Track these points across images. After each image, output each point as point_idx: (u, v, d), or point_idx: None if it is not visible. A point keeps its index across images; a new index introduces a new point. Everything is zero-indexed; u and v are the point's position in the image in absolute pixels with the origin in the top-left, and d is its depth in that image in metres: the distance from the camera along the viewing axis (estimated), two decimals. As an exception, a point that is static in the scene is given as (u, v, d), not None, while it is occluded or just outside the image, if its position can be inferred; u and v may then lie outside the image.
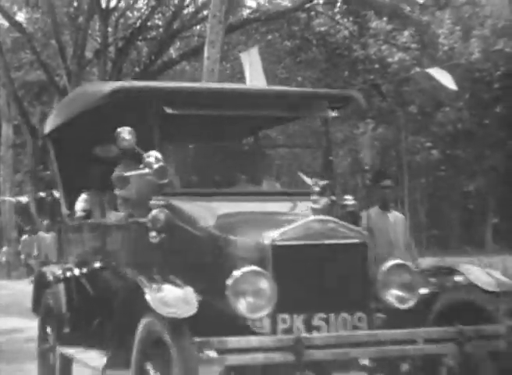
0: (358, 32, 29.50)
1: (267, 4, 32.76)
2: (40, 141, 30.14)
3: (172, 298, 4.63)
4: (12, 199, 29.36)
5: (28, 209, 29.51)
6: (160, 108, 5.60)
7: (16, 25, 29.87)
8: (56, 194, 24.54)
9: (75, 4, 30.21)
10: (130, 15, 32.32)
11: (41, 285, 7.42)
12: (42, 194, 25.89)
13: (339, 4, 29.53)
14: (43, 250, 20.37)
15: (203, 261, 5.29)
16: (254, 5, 32.63)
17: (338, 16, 30.19)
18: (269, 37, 31.15)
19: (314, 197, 5.50)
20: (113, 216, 6.52)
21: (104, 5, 27.87)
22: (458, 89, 15.08)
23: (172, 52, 33.91)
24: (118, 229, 6.36)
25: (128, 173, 5.60)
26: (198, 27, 31.07)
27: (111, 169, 6.35)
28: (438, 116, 35.16)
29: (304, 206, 5.62)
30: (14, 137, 31.77)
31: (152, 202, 5.45)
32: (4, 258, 28.66)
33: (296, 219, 5.13)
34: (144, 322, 4.87)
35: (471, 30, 33.37)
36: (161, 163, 5.32)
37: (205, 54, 15.07)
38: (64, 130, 7.22)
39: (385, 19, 28.99)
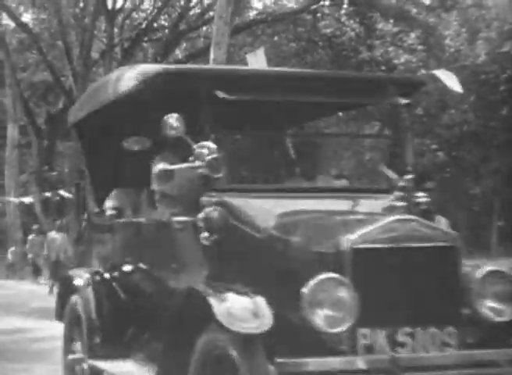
0: (364, 34, 29.49)
1: (273, 5, 32.75)
2: (45, 142, 30.23)
3: (241, 310, 4.09)
4: (15, 200, 29.40)
5: (33, 210, 29.53)
6: (211, 92, 4.95)
7: (22, 25, 29.92)
8: (64, 193, 24.34)
9: (81, 5, 30.23)
10: (136, 16, 32.35)
11: (67, 290, 6.76)
12: (47, 194, 25.94)
13: (345, 5, 29.53)
14: (53, 251, 20.14)
15: (264, 267, 4.66)
16: (260, 6, 32.64)
17: (344, 18, 30.19)
18: (275, 38, 31.13)
19: (396, 193, 5.04)
20: (152, 214, 5.88)
21: (110, 6, 27.90)
22: (464, 91, 15.05)
23: (178, 53, 33.91)
24: (159, 228, 5.68)
25: (174, 166, 5.03)
26: (204, 29, 31.08)
27: (144, 163, 5.83)
28: (444, 118, 35.12)
29: (371, 204, 5.15)
30: (19, 138, 31.81)
31: (204, 199, 4.85)
32: (12, 259, 28.68)
33: (371, 218, 4.58)
34: (206, 336, 4.35)
35: (478, 32, 33.32)
36: (214, 155, 4.75)
37: (211, 55, 15.09)
38: (93, 119, 6.51)
39: (391, 20, 28.98)
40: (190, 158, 4.86)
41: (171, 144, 5.45)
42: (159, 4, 30.32)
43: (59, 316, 6.89)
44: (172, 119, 4.78)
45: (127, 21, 30.79)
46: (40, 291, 21.43)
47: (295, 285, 4.15)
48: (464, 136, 36.42)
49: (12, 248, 28.97)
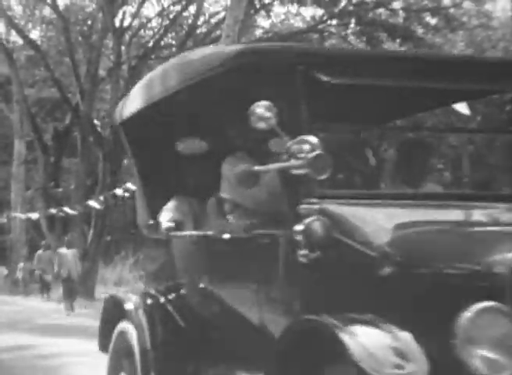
0: (371, 53, 29.57)
1: (280, 24, 32.88)
2: (51, 158, 30.30)
3: (385, 350, 3.23)
4: (22, 216, 29.47)
5: (39, 226, 29.58)
6: (311, 75, 4.04)
7: (30, 42, 30.08)
8: (69, 210, 24.01)
9: (89, 22, 30.43)
10: (144, 34, 32.50)
11: (113, 315, 5.68)
12: (53, 211, 25.98)
13: (352, 25, 29.64)
14: (64, 268, 19.85)
15: (384, 293, 3.66)
16: (267, 25, 32.76)
17: (351, 37, 30.29)
18: (282, 57, 31.22)
19: None
20: (224, 227, 4.83)
21: (118, 23, 28.04)
22: (470, 111, 15.05)
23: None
24: (235, 244, 4.65)
25: (262, 167, 4.03)
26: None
27: (208, 166, 5.04)
28: (449, 137, 35.13)
29: (503, 213, 4.15)
30: (26, 154, 31.93)
31: (303, 207, 3.92)
32: (21, 275, 28.68)
33: None
34: None
35: (484, 52, 33.39)
36: (319, 152, 3.74)
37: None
38: (148, 115, 5.50)
39: (397, 40, 29.07)
40: (284, 157, 3.89)
41: (246, 143, 4.64)
42: (167, 22, 30.46)
43: (103, 345, 5.82)
44: (262, 109, 3.83)
45: (135, 39, 30.91)
46: (46, 308, 21.43)
47: (431, 317, 3.37)
48: (470, 156, 36.41)
49: (21, 264, 28.98)
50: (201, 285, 5.10)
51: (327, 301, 3.87)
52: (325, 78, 4.06)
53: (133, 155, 5.95)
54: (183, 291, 5.29)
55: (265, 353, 4.04)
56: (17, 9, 32.70)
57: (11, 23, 30.04)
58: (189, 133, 5.14)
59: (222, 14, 27.40)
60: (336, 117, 5.03)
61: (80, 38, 29.63)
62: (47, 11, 31.42)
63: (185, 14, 30.69)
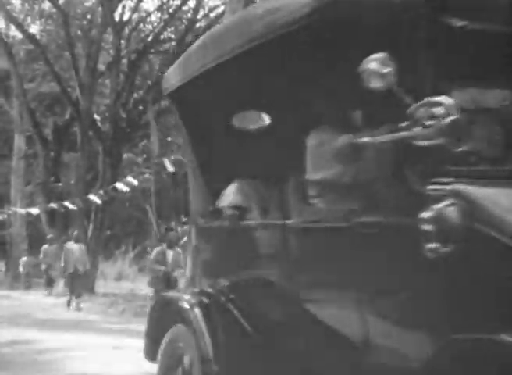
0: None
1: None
2: (51, 153, 30.28)
3: None
4: (22, 211, 29.47)
5: (40, 221, 29.57)
6: (439, 20, 3.21)
7: (29, 37, 30.02)
8: (69, 205, 23.79)
9: (88, 16, 30.39)
10: (143, 28, 32.46)
11: (163, 318, 4.84)
12: (53, 205, 25.98)
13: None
14: (71, 262, 19.70)
15: None
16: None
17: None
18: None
19: None
20: (307, 214, 3.97)
21: (117, 18, 28.01)
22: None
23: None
24: (331, 234, 3.75)
25: (371, 138, 3.21)
26: (211, 41, 31.10)
27: (270, 145, 4.16)
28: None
29: None
30: (26, 148, 31.93)
31: (432, 188, 3.11)
32: (23, 270, 28.64)
33: None
34: None
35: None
36: (456, 116, 2.95)
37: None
38: (207, 82, 4.61)
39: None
40: (404, 124, 3.10)
41: (326, 115, 3.78)
42: (166, 16, 30.43)
43: (150, 353, 4.94)
44: (377, 63, 2.99)
45: (134, 33, 30.88)
46: (47, 302, 21.45)
47: None
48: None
49: (24, 258, 28.95)
50: (276, 284, 4.26)
51: (471, 309, 3.04)
52: (457, 23, 3.25)
53: (187, 132, 5.14)
54: (251, 290, 4.47)
55: (366, 370, 3.46)
56: (16, 3, 32.67)
57: (10, 17, 29.98)
58: (249, 105, 4.21)
59: (222, 8, 27.38)
60: (470, 74, 3.76)
61: (79, 32, 29.56)
62: (46, 5, 31.36)
63: (184, 8, 30.69)
